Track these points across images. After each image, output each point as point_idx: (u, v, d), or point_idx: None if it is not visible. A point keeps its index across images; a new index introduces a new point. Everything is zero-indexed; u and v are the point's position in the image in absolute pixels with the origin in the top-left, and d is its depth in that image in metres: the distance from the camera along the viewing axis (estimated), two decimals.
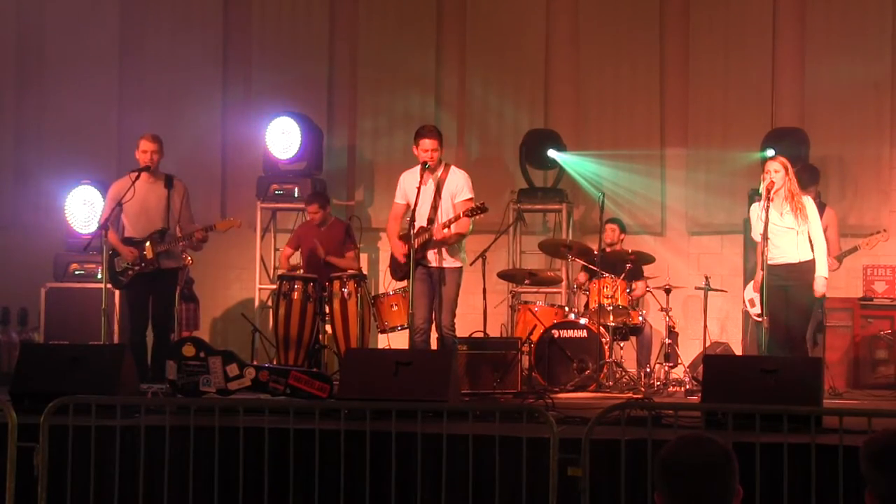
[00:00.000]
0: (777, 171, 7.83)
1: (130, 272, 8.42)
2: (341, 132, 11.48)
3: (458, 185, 7.81)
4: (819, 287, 7.88)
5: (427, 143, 7.75)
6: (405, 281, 7.95)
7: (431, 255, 7.77)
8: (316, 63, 11.41)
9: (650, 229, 10.90)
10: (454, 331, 7.85)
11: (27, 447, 5.20)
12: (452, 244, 7.81)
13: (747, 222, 9.92)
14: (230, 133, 11.45)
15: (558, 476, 4.89)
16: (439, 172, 7.84)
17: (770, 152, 9.73)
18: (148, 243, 8.39)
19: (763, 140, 10.15)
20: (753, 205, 8.16)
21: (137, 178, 8.33)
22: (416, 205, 7.73)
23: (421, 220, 7.75)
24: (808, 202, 7.92)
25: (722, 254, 10.71)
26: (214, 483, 5.33)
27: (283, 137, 10.51)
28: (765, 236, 7.80)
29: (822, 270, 7.88)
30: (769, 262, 7.87)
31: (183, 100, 11.26)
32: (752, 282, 8.52)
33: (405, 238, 7.69)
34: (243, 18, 11.63)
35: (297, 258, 9.84)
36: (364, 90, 11.42)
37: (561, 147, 10.61)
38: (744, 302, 9.21)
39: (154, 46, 11.56)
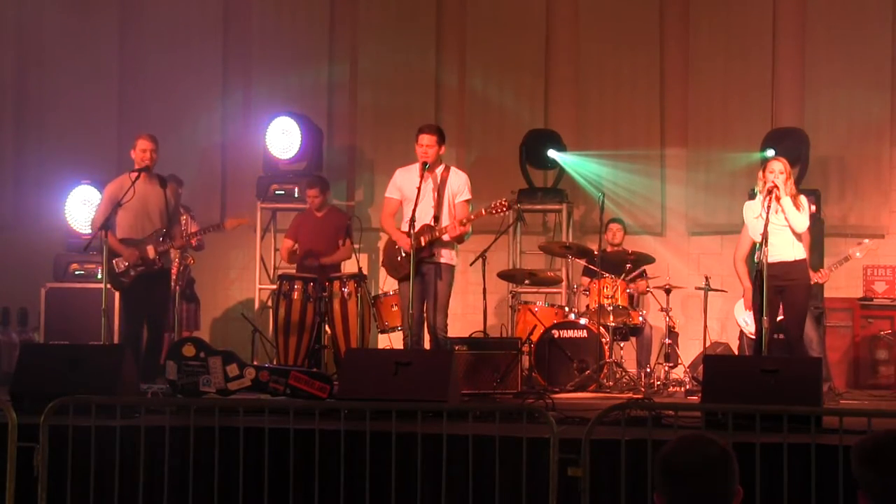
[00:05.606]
0: (782, 172, 7.79)
1: (133, 273, 8.41)
2: (341, 132, 11.48)
3: (459, 186, 7.91)
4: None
5: (424, 139, 7.84)
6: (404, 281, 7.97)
7: (435, 252, 7.81)
8: (316, 63, 11.41)
9: (650, 229, 10.90)
10: (447, 332, 7.88)
11: (27, 447, 5.19)
12: (453, 242, 7.89)
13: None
14: (230, 133, 11.45)
15: (558, 476, 4.89)
16: (439, 172, 7.88)
17: (770, 152, 9.72)
18: (150, 244, 8.39)
19: (763, 140, 10.14)
20: (747, 203, 8.06)
21: (137, 178, 8.32)
22: (416, 204, 7.76)
23: (424, 220, 7.78)
24: (787, 200, 7.74)
25: (722, 254, 10.69)
26: (214, 483, 5.33)
27: (283, 137, 10.50)
28: (765, 236, 7.77)
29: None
30: (767, 261, 7.84)
31: (183, 100, 11.26)
32: (742, 301, 8.51)
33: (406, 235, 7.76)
34: (243, 19, 11.63)
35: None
36: (364, 90, 11.41)
37: (561, 147, 10.61)
38: (737, 323, 9.23)
39: (154, 47, 11.55)
